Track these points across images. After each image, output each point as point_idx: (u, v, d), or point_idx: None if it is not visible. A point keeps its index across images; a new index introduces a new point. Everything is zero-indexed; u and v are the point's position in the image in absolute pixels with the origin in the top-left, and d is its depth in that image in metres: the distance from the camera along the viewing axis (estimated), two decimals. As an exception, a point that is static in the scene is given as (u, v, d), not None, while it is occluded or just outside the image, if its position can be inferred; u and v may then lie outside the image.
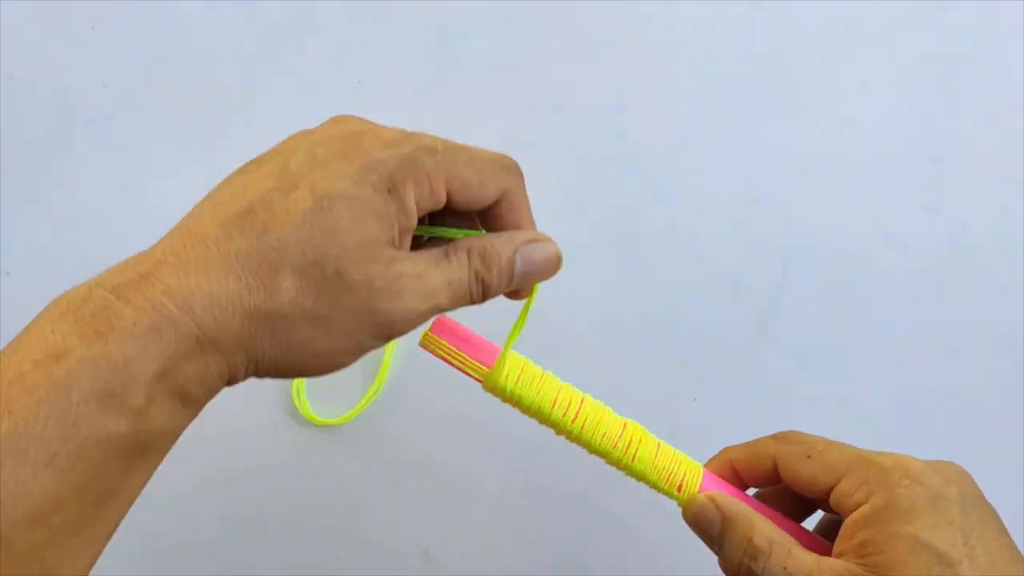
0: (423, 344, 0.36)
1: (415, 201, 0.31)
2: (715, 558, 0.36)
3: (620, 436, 0.37)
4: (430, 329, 0.36)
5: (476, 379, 0.37)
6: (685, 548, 0.54)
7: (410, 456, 0.51)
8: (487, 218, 0.35)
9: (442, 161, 0.32)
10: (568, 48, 0.52)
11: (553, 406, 0.36)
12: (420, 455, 0.51)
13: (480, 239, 0.34)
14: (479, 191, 0.33)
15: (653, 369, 0.52)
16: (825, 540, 0.36)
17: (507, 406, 0.37)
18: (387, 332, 0.32)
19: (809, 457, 0.35)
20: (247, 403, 0.50)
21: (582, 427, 0.36)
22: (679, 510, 0.37)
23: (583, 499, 0.52)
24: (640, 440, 0.37)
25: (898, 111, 0.53)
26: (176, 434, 0.30)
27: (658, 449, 0.37)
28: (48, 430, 0.26)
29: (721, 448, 0.39)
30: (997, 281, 0.53)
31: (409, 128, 0.33)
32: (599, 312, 0.53)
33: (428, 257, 0.32)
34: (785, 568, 0.33)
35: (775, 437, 0.37)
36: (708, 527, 0.36)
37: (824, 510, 0.38)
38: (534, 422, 0.37)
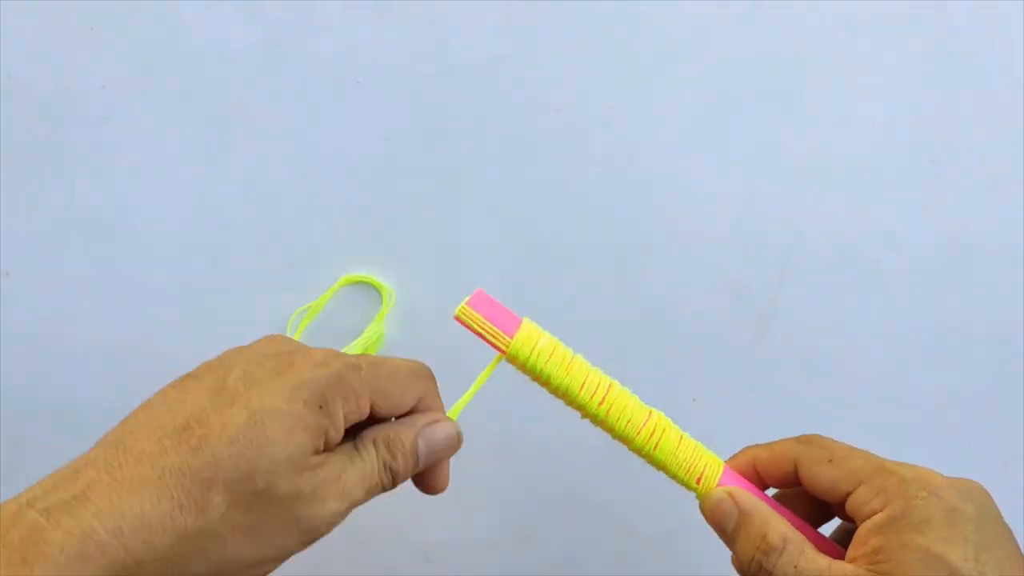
0: (458, 317, 0.37)
1: (343, 416, 0.34)
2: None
3: (644, 424, 0.37)
4: (466, 303, 0.37)
5: (503, 351, 0.37)
6: (684, 549, 0.54)
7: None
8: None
9: (366, 377, 0.34)
10: (568, 48, 0.52)
11: (581, 388, 0.37)
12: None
13: (384, 428, 0.36)
14: (399, 401, 0.36)
15: (653, 369, 0.52)
16: (839, 546, 0.36)
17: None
18: (311, 536, 0.33)
19: (830, 461, 0.36)
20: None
21: (608, 411, 0.37)
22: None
23: (583, 499, 0.52)
24: (664, 430, 0.38)
25: (897, 111, 0.53)
26: None
27: (680, 440, 0.38)
28: None
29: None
30: (996, 281, 0.53)
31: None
32: (599, 312, 0.53)
33: (341, 455, 0.34)
34: (796, 567, 0.34)
35: (798, 440, 0.38)
36: (724, 521, 0.36)
37: (840, 516, 0.38)
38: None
